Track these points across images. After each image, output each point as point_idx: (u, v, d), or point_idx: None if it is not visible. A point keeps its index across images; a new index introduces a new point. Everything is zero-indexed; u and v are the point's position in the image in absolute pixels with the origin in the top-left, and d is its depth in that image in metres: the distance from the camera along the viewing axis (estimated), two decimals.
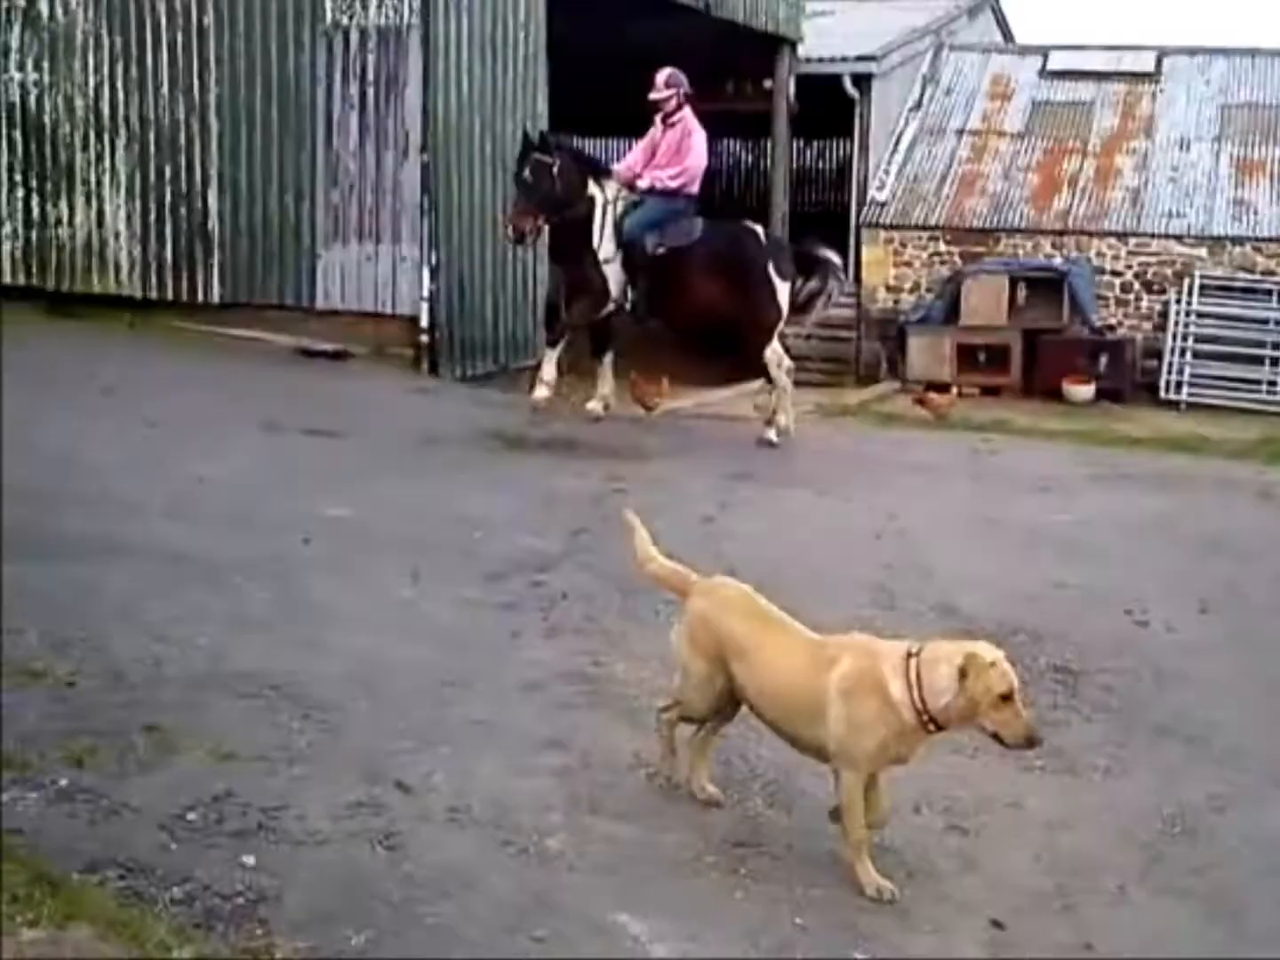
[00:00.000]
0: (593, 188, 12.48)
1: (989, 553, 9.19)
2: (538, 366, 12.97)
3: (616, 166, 13.04)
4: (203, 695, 5.41)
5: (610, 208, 12.48)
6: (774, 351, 12.64)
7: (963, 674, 4.48)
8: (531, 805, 4.89)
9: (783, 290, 12.60)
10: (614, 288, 12.51)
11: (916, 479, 11.59)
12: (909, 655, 4.61)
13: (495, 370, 15.25)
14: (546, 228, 12.82)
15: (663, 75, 12.59)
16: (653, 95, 12.58)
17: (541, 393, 12.50)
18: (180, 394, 11.66)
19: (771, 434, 12.49)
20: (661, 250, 12.42)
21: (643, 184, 12.53)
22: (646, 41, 19.27)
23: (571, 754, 5.32)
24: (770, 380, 12.72)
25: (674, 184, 12.55)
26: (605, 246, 12.44)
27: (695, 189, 12.77)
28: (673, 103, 12.55)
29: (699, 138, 12.70)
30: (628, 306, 12.69)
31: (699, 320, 13.00)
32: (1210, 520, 10.52)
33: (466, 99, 14.80)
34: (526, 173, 12.26)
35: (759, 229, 13.26)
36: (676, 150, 12.59)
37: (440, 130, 14.59)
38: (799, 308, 12.95)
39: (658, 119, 12.69)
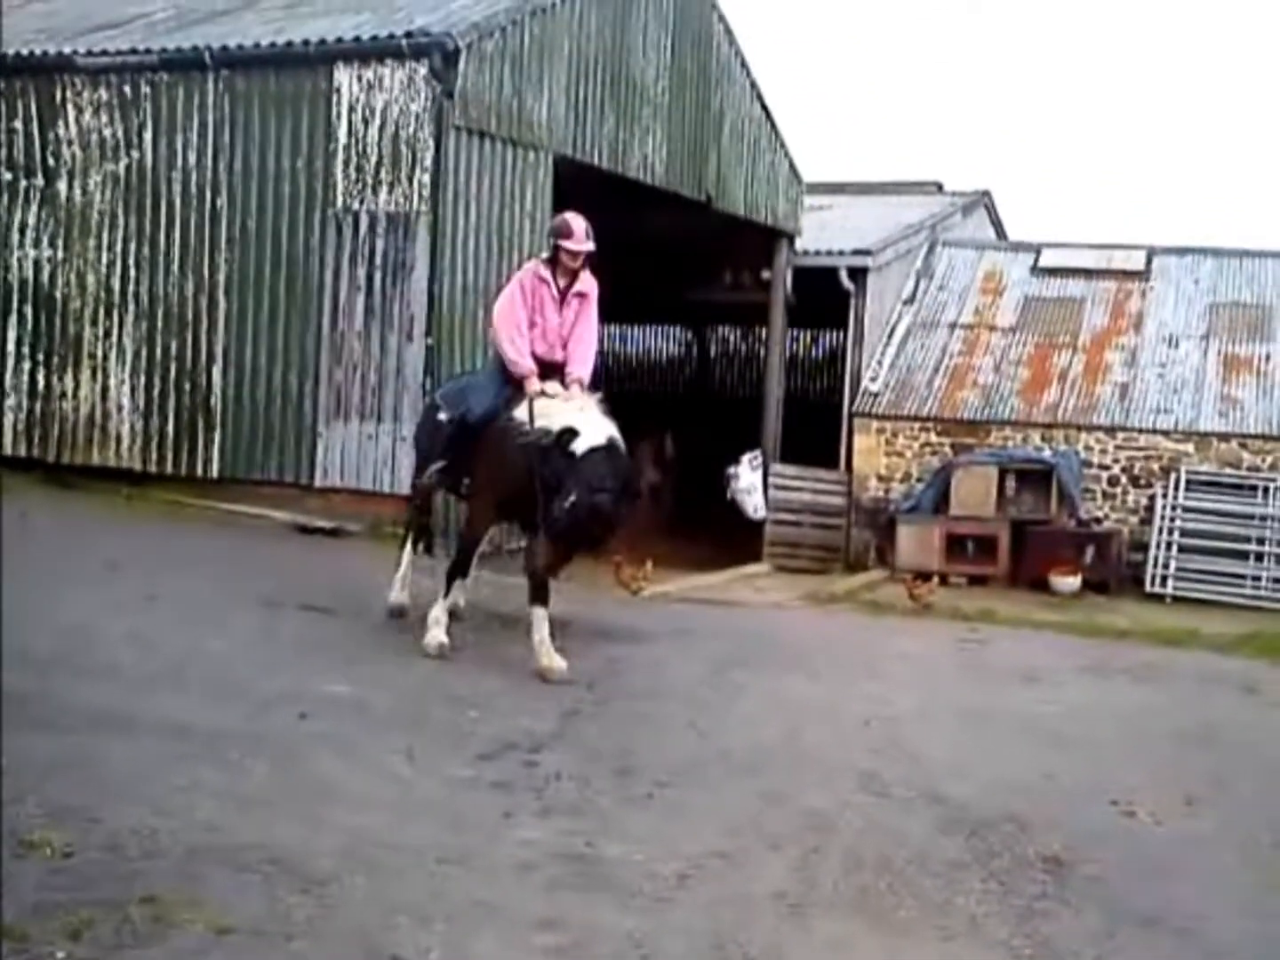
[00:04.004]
0: None
1: (977, 741, 9.24)
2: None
3: (534, 385, 9.82)
4: (200, 868, 5.43)
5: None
6: None
7: None
8: None
9: None
10: None
11: (905, 667, 11.68)
12: None
13: (489, 551, 15.36)
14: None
15: (583, 224, 10.06)
16: (573, 246, 9.96)
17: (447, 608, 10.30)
18: (179, 568, 11.79)
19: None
20: None
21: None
22: (650, 232, 19.86)
23: (566, 934, 5.34)
24: None
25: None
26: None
27: None
28: (581, 258, 10.09)
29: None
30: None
31: None
32: (1196, 713, 10.60)
33: (472, 284, 15.15)
34: None
35: None
36: (588, 322, 10.24)
37: (444, 314, 14.94)
38: None
39: (548, 271, 10.11)
